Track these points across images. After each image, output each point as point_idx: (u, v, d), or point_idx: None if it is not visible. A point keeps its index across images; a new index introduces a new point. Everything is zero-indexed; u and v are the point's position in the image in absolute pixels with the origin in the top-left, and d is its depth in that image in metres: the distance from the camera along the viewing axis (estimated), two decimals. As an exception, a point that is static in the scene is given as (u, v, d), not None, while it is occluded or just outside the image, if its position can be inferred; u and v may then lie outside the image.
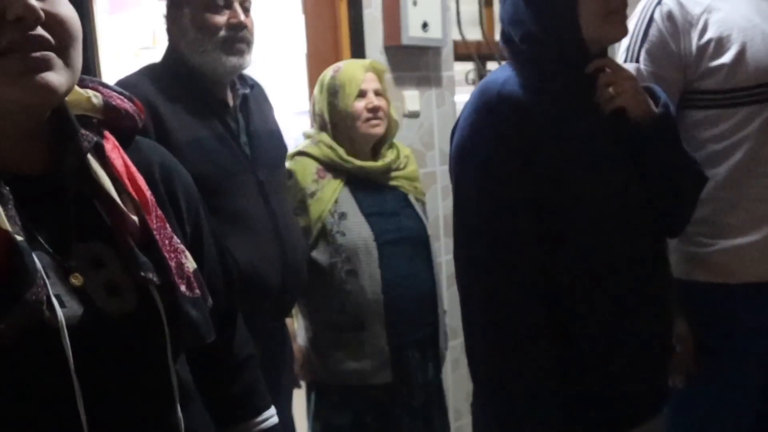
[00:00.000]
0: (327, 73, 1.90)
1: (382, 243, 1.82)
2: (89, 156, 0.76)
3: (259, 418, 1.01)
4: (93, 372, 0.71)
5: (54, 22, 0.71)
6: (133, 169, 0.80)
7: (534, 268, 1.19)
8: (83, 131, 0.77)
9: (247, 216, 1.52)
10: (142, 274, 0.75)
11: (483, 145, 1.21)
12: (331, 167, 1.85)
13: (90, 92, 0.80)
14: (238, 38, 1.51)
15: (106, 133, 0.80)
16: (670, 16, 1.47)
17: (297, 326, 1.95)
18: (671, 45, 1.47)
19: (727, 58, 1.43)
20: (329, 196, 1.81)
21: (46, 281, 0.69)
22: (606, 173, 1.22)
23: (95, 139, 0.78)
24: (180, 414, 0.79)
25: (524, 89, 1.21)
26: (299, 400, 2.00)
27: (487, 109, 1.21)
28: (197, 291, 0.81)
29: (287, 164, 1.85)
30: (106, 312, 0.73)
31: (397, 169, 1.93)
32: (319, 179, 1.83)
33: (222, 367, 1.00)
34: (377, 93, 1.87)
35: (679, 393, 1.49)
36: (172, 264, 0.78)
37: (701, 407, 1.54)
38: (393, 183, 1.93)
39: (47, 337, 0.68)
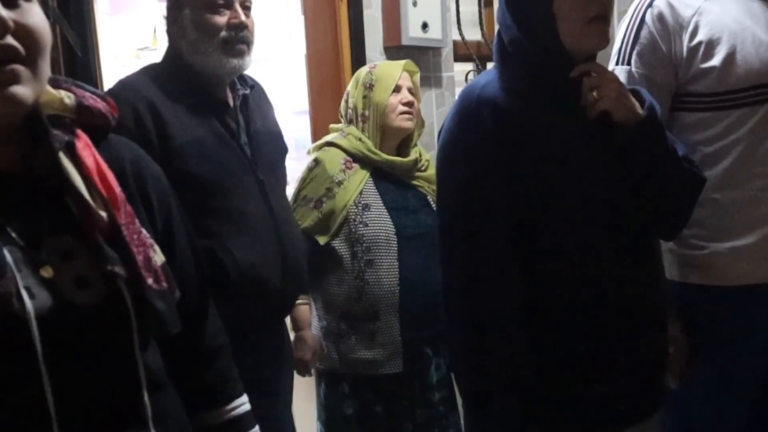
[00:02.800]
0: (363, 70, 1.99)
1: (402, 237, 1.86)
2: (61, 154, 0.79)
3: (231, 406, 1.04)
4: (61, 361, 0.74)
5: (24, 32, 0.74)
6: (104, 166, 0.83)
7: (516, 272, 1.20)
8: (55, 131, 0.80)
9: (248, 216, 1.52)
10: (109, 267, 0.78)
11: (464, 148, 1.22)
12: (358, 159, 1.90)
13: (63, 93, 0.83)
14: (239, 39, 1.51)
15: (79, 131, 0.83)
16: (660, 19, 1.47)
17: (311, 315, 1.96)
18: (662, 47, 1.47)
19: (717, 60, 1.43)
20: (355, 187, 1.86)
21: (16, 273, 0.72)
22: (590, 177, 1.23)
23: (66, 138, 0.81)
24: (147, 401, 0.83)
25: (504, 92, 1.21)
26: (310, 389, 2.03)
27: (467, 113, 1.23)
28: (164, 284, 0.85)
29: (314, 154, 1.93)
30: (75, 303, 0.76)
31: (419, 170, 1.98)
32: (346, 169, 1.88)
33: (194, 356, 1.03)
34: (410, 91, 1.94)
35: (672, 393, 1.50)
36: (140, 258, 0.82)
37: (694, 408, 1.54)
38: (415, 183, 1.98)
39: (16, 327, 0.72)
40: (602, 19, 1.20)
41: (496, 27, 1.32)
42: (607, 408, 1.25)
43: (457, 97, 1.29)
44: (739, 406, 1.53)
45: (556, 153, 1.21)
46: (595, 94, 1.23)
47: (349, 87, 1.99)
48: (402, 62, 1.98)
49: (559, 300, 1.23)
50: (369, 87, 1.92)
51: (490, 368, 1.20)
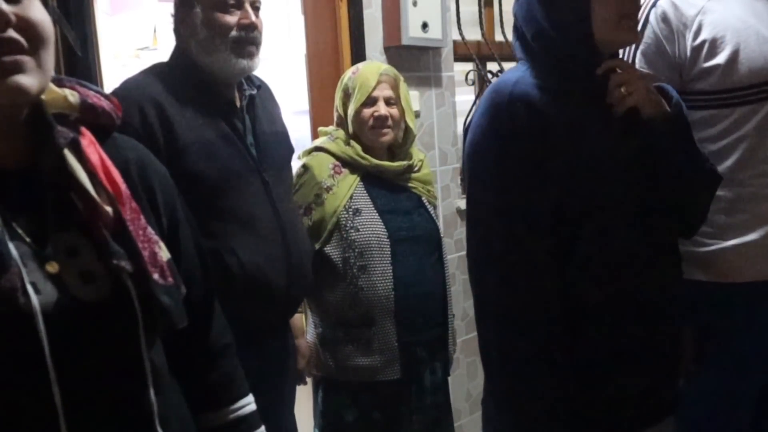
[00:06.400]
0: (347, 73, 1.93)
1: (395, 240, 1.83)
2: (66, 151, 0.80)
3: (236, 405, 1.04)
4: (67, 356, 0.75)
5: (26, 26, 0.75)
6: (109, 163, 0.84)
7: (549, 267, 1.20)
8: (59, 128, 0.81)
9: (253, 217, 1.51)
10: (115, 261, 0.79)
11: (496, 145, 1.22)
12: (347, 163, 1.86)
13: (67, 91, 0.84)
14: (249, 39, 1.50)
15: (83, 129, 0.84)
16: (664, 18, 1.48)
17: (306, 322, 1.95)
18: (666, 47, 1.48)
19: (721, 58, 1.44)
20: (345, 192, 1.83)
21: (22, 269, 0.73)
22: (619, 173, 1.23)
23: (71, 135, 0.81)
24: (153, 398, 0.83)
25: (537, 89, 1.21)
26: (306, 397, 2.02)
27: (500, 109, 1.22)
28: (170, 279, 0.85)
29: (303, 159, 1.88)
30: (81, 298, 0.77)
31: (413, 171, 1.95)
32: (335, 175, 1.85)
33: (200, 355, 1.03)
34: (389, 101, 1.86)
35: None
36: (146, 253, 0.82)
37: (701, 407, 1.55)
38: (407, 184, 1.94)
39: (23, 322, 0.72)
40: (632, 16, 1.23)
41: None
42: (626, 409, 1.25)
43: (485, 94, 1.28)
44: (746, 404, 1.53)
45: (588, 150, 1.21)
46: (623, 90, 1.23)
47: (337, 87, 1.94)
48: (380, 69, 1.89)
49: (591, 299, 1.22)
50: (347, 95, 1.88)
51: (526, 370, 1.20)
